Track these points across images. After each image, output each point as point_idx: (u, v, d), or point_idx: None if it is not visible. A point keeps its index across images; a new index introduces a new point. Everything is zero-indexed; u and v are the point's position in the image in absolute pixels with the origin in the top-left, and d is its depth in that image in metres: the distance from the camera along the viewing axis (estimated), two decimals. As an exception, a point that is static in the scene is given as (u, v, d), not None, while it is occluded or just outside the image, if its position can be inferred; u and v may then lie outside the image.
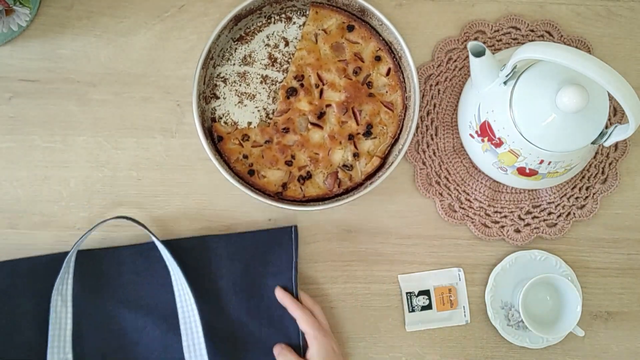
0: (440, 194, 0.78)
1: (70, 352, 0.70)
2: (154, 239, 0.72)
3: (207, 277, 0.73)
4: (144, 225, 0.72)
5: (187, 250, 0.73)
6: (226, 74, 0.77)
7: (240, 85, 0.77)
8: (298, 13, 0.78)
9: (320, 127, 0.75)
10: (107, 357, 0.72)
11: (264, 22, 0.78)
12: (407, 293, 0.77)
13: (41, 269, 0.72)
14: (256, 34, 0.77)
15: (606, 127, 0.64)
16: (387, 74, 0.76)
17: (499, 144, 0.68)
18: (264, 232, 0.75)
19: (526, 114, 0.64)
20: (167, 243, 0.72)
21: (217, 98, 0.77)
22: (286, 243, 0.75)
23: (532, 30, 0.79)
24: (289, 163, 0.75)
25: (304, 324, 0.70)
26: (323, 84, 0.75)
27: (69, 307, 0.71)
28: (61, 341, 0.70)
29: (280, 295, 0.73)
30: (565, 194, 0.78)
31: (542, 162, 0.67)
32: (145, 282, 0.73)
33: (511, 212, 0.78)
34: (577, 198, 0.78)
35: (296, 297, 0.74)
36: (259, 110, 0.77)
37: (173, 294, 0.72)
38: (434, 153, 0.78)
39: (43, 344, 0.70)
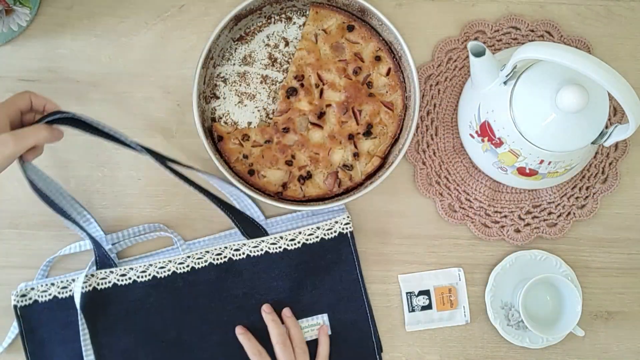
0: (440, 194, 0.78)
1: None
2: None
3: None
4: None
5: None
6: (226, 74, 0.77)
7: (240, 85, 0.77)
8: (298, 13, 0.78)
9: (320, 127, 0.75)
10: None
11: (264, 22, 0.78)
12: (407, 293, 0.77)
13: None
14: (256, 34, 0.77)
15: (606, 127, 0.64)
16: (387, 74, 0.76)
17: (499, 144, 0.68)
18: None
19: (526, 114, 0.64)
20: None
21: (217, 98, 0.77)
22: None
23: (532, 30, 0.79)
24: (289, 163, 0.75)
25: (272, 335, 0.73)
26: (323, 84, 0.75)
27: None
28: None
29: (266, 310, 0.75)
30: (565, 194, 0.78)
31: (542, 162, 0.67)
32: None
33: (511, 212, 0.78)
34: (577, 198, 0.78)
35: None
36: (259, 110, 0.77)
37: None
38: (434, 153, 0.78)
39: None
